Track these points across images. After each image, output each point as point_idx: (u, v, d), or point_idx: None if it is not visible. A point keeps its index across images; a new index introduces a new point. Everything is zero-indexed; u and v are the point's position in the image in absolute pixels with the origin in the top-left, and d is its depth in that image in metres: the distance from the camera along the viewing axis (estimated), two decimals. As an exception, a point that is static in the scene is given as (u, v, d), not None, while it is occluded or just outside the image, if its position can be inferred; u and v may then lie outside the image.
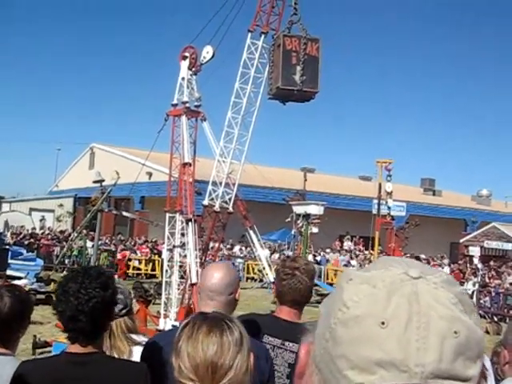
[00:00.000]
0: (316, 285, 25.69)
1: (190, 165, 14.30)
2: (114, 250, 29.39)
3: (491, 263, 30.43)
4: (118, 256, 28.69)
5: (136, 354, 3.40)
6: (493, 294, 22.97)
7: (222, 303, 2.94)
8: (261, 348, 2.99)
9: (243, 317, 3.54)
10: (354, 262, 30.48)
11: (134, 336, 3.54)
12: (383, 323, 0.75)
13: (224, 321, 1.90)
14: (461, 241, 39.94)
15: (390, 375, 0.73)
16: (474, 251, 36.65)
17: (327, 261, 31.26)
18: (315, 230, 23.81)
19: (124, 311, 3.56)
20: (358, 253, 33.14)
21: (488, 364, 2.89)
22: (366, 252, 32.56)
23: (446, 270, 28.11)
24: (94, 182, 25.21)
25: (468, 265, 31.20)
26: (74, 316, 2.46)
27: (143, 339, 3.54)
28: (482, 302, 23.04)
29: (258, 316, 3.40)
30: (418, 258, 30.32)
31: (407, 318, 0.75)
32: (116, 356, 3.33)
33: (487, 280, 25.25)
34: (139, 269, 28.83)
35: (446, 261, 31.32)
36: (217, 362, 1.78)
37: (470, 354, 0.76)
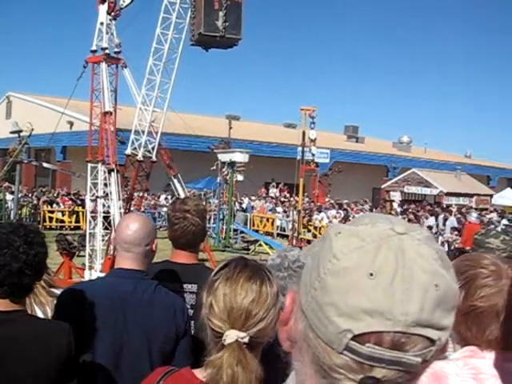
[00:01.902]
0: (242, 232, 25.99)
1: (111, 113, 13.97)
2: (36, 202, 28.61)
3: (411, 207, 31.46)
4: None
5: None
6: (411, 236, 23.75)
7: (139, 254, 2.90)
8: (177, 300, 2.98)
9: None
10: (279, 209, 30.88)
11: (54, 290, 3.47)
12: (371, 274, 0.79)
13: (265, 271, 1.87)
14: (382, 186, 41.02)
15: (376, 322, 0.78)
16: (395, 196, 37.82)
17: (253, 208, 31.55)
18: (240, 177, 23.91)
19: None
20: (283, 199, 33.56)
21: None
22: (292, 199, 33.02)
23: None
24: (12, 132, 24.32)
25: (388, 209, 32.15)
26: (21, 270, 2.41)
27: None
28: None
29: (153, 264, 3.39)
30: (340, 205, 31.02)
31: (394, 270, 0.80)
32: (40, 312, 3.26)
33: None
34: (63, 221, 28.22)
35: (366, 206, 32.13)
36: (252, 311, 1.76)
37: (446, 305, 0.82)
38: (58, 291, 3.47)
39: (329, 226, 0.92)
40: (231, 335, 1.73)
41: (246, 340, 1.73)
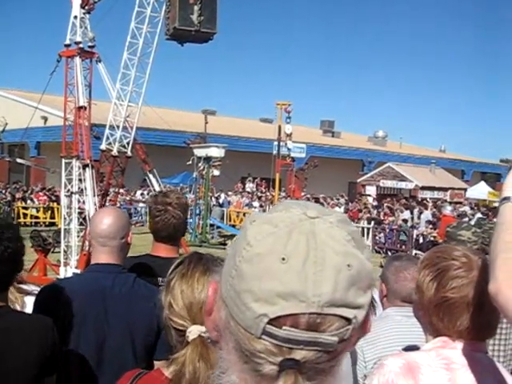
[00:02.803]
0: (219, 227, 25.97)
1: (86, 108, 13.84)
2: (10, 199, 28.24)
3: (387, 200, 31.64)
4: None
5: (29, 305, 3.30)
6: (387, 230, 23.98)
7: (115, 248, 2.89)
8: (157, 292, 2.97)
9: None
10: (256, 204, 30.90)
11: (23, 286, 3.43)
12: (283, 259, 0.81)
13: (219, 262, 1.82)
14: (358, 180, 41.23)
15: (290, 305, 0.80)
16: (371, 190, 38.08)
17: (229, 203, 31.51)
18: (216, 172, 23.87)
19: None
20: (260, 194, 33.55)
21: (376, 296, 3.03)
22: (268, 193, 33.04)
23: (342, 209, 29.00)
24: (-16, 127, 23.96)
25: (363, 203, 32.33)
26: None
27: (34, 288, 3.43)
28: (377, 238, 24.04)
29: (134, 258, 3.37)
30: (317, 199, 31.16)
31: (305, 253, 0.81)
32: (17, 309, 3.22)
33: (382, 217, 26.28)
34: (37, 217, 27.94)
35: (342, 200, 32.28)
36: None
37: (361, 284, 0.84)
38: (27, 287, 3.42)
39: (247, 216, 0.95)
40: (194, 331, 1.72)
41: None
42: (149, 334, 2.82)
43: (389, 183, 38.75)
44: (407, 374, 1.73)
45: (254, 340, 0.83)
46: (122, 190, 23.46)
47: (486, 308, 1.69)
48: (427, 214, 24.52)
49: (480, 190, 35.63)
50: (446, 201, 32.46)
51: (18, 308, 3.23)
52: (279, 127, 25.57)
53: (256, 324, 0.82)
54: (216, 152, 22.95)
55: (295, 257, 0.81)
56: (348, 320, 0.82)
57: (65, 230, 14.41)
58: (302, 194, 32.40)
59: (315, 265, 0.81)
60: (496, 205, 19.06)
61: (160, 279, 3.19)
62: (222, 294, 0.88)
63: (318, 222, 0.85)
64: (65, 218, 14.59)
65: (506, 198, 1.63)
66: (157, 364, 2.72)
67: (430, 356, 1.77)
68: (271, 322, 0.81)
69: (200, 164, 23.83)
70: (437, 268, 1.82)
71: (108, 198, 15.42)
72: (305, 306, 0.80)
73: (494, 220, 1.84)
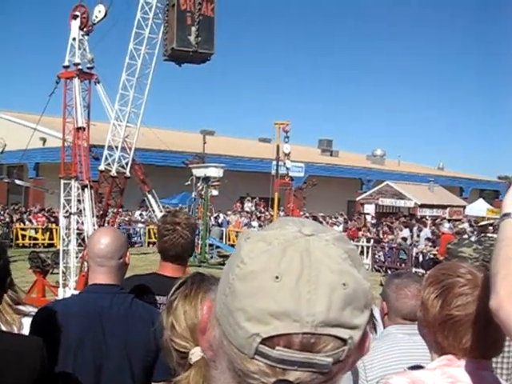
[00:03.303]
0: (218, 247, 25.90)
1: (84, 129, 13.88)
2: (8, 220, 28.18)
3: (387, 219, 31.58)
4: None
5: (26, 326, 3.26)
6: (386, 248, 23.94)
7: (113, 268, 2.87)
8: (155, 313, 2.95)
9: (127, 279, 3.45)
10: (255, 223, 30.85)
11: (21, 307, 3.39)
12: (277, 277, 0.79)
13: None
14: (357, 199, 41.19)
15: (283, 325, 0.78)
16: (369, 209, 38.02)
17: (228, 222, 31.46)
18: (215, 192, 23.88)
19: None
20: (259, 214, 33.51)
21: (377, 315, 3.00)
22: (267, 213, 33.00)
23: (341, 227, 28.96)
24: (-17, 149, 23.96)
25: (362, 221, 32.30)
26: None
27: (31, 309, 3.39)
28: (376, 256, 24.00)
29: (141, 276, 3.35)
30: (315, 218, 31.12)
31: (299, 272, 0.80)
32: (5, 330, 3.17)
33: (381, 235, 26.24)
34: (36, 238, 27.87)
35: (341, 219, 32.25)
36: None
37: (357, 304, 0.82)
38: (25, 308, 3.38)
39: (241, 233, 0.93)
40: (197, 352, 1.66)
41: None
42: (147, 355, 2.79)
43: (387, 201, 38.68)
44: None
45: (246, 360, 0.81)
46: (120, 211, 23.40)
47: (492, 326, 1.67)
48: (426, 232, 24.49)
49: (479, 207, 35.65)
50: (445, 218, 32.44)
51: (16, 329, 3.18)
52: (277, 147, 25.63)
53: (249, 344, 0.80)
54: (214, 172, 23.00)
55: (289, 275, 0.79)
56: (343, 340, 0.80)
57: (63, 251, 14.37)
58: (301, 213, 32.38)
59: (309, 283, 0.79)
60: (484, 223, 19.15)
61: (164, 298, 3.17)
62: (216, 312, 0.87)
63: (313, 239, 0.83)
64: (63, 239, 14.55)
65: (506, 215, 1.63)
66: None
67: (435, 374, 1.75)
68: (264, 341, 0.79)
69: (199, 184, 23.84)
70: (442, 285, 1.80)
71: (107, 218, 15.38)
72: (298, 326, 0.78)
73: (495, 236, 1.84)
